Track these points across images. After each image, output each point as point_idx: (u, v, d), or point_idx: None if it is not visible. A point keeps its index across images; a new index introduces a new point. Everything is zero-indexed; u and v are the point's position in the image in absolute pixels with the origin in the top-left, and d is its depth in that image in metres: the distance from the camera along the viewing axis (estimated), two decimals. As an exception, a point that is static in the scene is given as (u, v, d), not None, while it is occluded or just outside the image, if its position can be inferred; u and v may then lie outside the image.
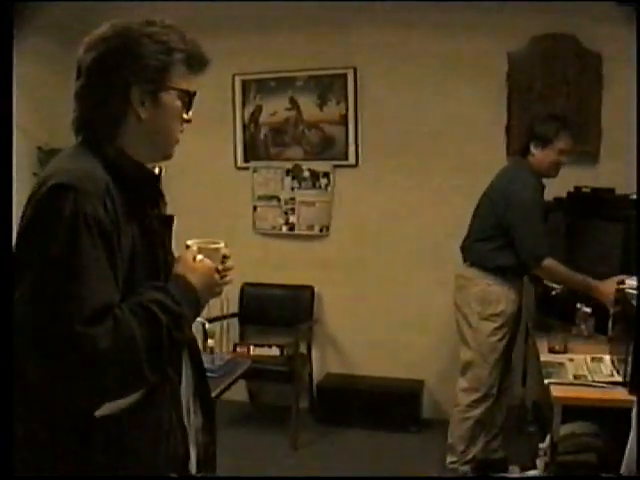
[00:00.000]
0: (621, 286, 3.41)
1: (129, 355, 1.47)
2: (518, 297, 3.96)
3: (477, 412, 3.92)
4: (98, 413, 1.52)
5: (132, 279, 1.56)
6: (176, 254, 1.77)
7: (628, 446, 1.58)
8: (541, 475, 3.43)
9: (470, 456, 3.96)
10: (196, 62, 1.77)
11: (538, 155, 3.85)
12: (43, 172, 1.61)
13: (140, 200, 1.64)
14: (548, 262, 3.77)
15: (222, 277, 1.75)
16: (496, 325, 3.92)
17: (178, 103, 1.71)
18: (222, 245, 1.78)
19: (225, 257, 1.77)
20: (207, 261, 1.71)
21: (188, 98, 1.74)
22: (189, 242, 1.76)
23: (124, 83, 1.62)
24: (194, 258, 1.70)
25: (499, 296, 3.92)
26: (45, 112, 5.31)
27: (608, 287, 3.63)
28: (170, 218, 1.75)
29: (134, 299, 1.53)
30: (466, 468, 4.02)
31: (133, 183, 1.62)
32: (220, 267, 1.74)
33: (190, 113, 1.76)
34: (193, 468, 1.80)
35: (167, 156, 1.78)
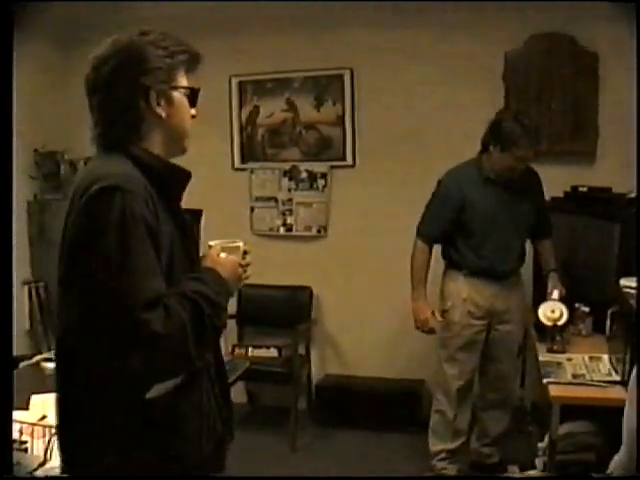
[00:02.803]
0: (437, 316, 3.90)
1: (180, 340, 1.62)
2: (479, 295, 3.92)
3: (451, 384, 4.00)
4: (149, 395, 1.68)
5: (172, 271, 1.71)
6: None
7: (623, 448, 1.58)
8: (540, 475, 3.43)
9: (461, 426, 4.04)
10: (193, 61, 1.89)
11: (495, 155, 3.76)
12: (79, 178, 1.81)
13: (173, 197, 1.82)
14: (417, 241, 3.95)
15: (244, 271, 1.94)
16: (445, 322, 3.96)
17: (185, 100, 1.86)
18: (241, 244, 1.96)
19: (245, 253, 1.96)
20: (231, 257, 1.89)
21: (192, 95, 1.89)
22: (211, 242, 1.93)
23: (143, 88, 1.77)
24: (218, 255, 1.87)
25: (450, 292, 3.96)
26: (41, 115, 5.31)
27: (421, 308, 3.93)
28: (199, 212, 1.84)
29: (178, 290, 1.68)
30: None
31: (166, 181, 1.80)
32: (242, 262, 1.93)
33: (194, 109, 1.91)
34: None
35: (183, 150, 1.96)
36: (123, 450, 1.71)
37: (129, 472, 1.71)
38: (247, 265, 1.95)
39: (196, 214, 1.77)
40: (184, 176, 1.89)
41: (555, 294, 3.71)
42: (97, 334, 1.62)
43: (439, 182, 3.94)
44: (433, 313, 3.96)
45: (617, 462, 1.52)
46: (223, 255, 1.89)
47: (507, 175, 3.78)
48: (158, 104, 1.80)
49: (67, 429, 1.81)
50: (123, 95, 1.78)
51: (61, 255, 1.76)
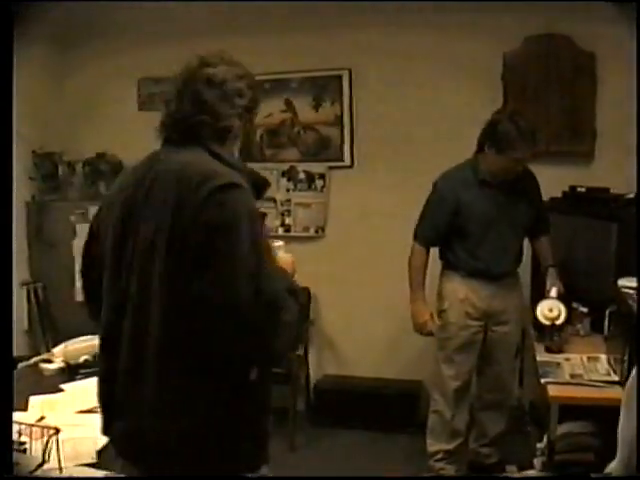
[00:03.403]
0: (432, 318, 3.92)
1: (297, 326, 1.88)
2: (476, 296, 3.92)
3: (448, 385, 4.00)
4: (251, 377, 1.87)
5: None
6: None
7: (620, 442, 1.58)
8: (539, 475, 3.43)
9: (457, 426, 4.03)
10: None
11: (490, 157, 3.74)
12: (163, 169, 1.94)
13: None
14: (415, 245, 3.96)
15: None
16: (442, 322, 3.97)
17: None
18: (282, 244, 2.14)
19: None
20: (288, 256, 2.10)
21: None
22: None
23: (246, 108, 2.05)
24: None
25: (447, 292, 3.97)
26: (39, 116, 5.30)
27: (419, 311, 3.93)
28: (264, 215, 2.04)
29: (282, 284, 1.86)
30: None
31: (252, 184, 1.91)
32: None
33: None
34: None
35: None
36: (224, 421, 1.85)
37: (218, 441, 1.85)
38: None
39: (263, 216, 1.99)
40: (264, 182, 2.03)
41: (553, 292, 3.71)
42: (225, 315, 1.74)
43: (434, 185, 3.93)
44: (431, 316, 3.96)
45: (612, 469, 1.52)
46: (281, 255, 2.06)
47: (503, 176, 3.77)
48: (247, 122, 2.05)
49: (167, 408, 1.84)
50: (226, 111, 1.99)
51: (171, 243, 1.80)
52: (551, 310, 3.59)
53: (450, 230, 3.89)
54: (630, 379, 1.52)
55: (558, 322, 3.56)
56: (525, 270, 4.24)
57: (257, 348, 1.81)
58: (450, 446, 4.04)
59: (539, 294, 3.82)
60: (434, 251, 4.03)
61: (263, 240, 1.83)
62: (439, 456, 4.06)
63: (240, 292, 1.72)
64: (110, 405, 1.98)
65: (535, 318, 3.63)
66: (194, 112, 1.98)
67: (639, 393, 1.38)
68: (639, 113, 4.04)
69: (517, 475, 3.80)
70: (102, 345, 2.02)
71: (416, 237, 3.97)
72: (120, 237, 1.93)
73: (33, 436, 2.29)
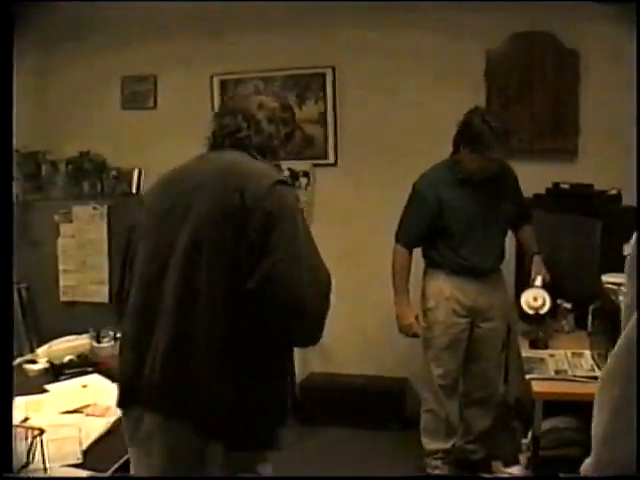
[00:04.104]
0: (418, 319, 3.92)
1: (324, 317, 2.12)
2: (461, 294, 3.92)
3: (436, 383, 4.00)
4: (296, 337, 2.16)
5: None
6: None
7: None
8: (525, 474, 3.44)
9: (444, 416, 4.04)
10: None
11: (466, 157, 3.74)
12: (240, 171, 2.17)
13: None
14: (397, 247, 3.95)
15: None
16: (428, 321, 3.97)
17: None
18: None
19: None
20: None
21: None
22: None
23: (286, 136, 2.41)
24: None
25: (433, 291, 3.96)
26: (22, 115, 5.26)
27: (404, 313, 3.93)
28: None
29: None
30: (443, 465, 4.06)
31: None
32: None
33: None
34: None
35: None
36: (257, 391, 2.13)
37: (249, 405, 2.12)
38: None
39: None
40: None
41: (538, 280, 3.72)
42: (275, 297, 2.01)
43: (413, 187, 3.92)
44: (417, 318, 3.96)
45: (584, 466, 1.53)
46: None
47: (480, 175, 3.77)
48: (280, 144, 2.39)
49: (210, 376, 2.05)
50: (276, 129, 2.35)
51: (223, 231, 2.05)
52: (535, 299, 3.60)
53: (433, 230, 3.88)
54: (600, 377, 1.53)
55: (542, 311, 3.58)
56: (510, 259, 4.26)
57: (305, 331, 2.12)
58: (448, 445, 4.05)
59: (524, 285, 3.83)
60: (416, 250, 4.03)
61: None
62: (437, 455, 4.06)
63: (302, 275, 2.01)
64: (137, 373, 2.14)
65: (520, 307, 3.64)
66: (244, 127, 2.30)
67: (638, 391, 1.38)
68: (639, 113, 4.04)
69: (509, 476, 3.80)
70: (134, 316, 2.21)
71: (398, 240, 3.96)
72: (165, 220, 2.18)
73: (17, 437, 2.28)
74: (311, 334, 2.12)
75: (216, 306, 2.04)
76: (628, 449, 1.36)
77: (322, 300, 2.09)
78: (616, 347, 1.45)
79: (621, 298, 2.89)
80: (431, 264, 4.00)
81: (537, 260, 3.94)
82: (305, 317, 2.05)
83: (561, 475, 2.66)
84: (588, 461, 1.52)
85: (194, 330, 2.05)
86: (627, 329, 1.40)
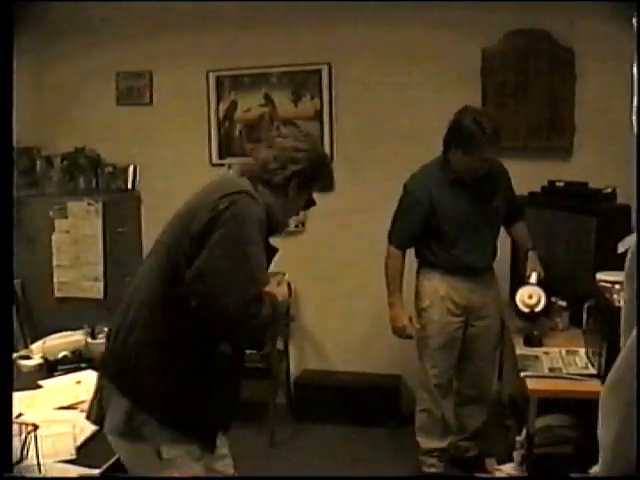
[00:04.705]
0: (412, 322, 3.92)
1: (266, 323, 2.19)
2: (455, 292, 3.92)
3: (432, 382, 3.99)
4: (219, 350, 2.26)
5: None
6: None
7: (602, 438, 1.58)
8: (519, 472, 3.44)
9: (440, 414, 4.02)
10: (328, 183, 2.62)
11: (457, 157, 3.72)
12: (216, 186, 2.36)
13: (267, 232, 2.30)
14: (390, 248, 3.94)
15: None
16: (423, 321, 3.96)
17: (305, 201, 2.53)
18: (286, 277, 2.62)
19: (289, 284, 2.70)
20: (285, 289, 2.47)
21: (310, 201, 2.57)
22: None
23: (295, 173, 2.39)
24: (277, 284, 2.44)
25: (427, 290, 3.95)
26: (17, 111, 5.23)
27: (398, 315, 3.92)
28: (275, 249, 2.46)
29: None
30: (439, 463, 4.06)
31: (270, 222, 2.32)
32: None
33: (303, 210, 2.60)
34: None
35: (282, 227, 2.52)
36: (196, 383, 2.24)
37: (187, 397, 2.23)
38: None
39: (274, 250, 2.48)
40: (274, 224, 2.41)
41: (533, 277, 3.71)
42: (230, 296, 2.10)
43: (405, 187, 3.91)
44: (410, 319, 3.96)
45: (595, 472, 1.52)
46: (276, 285, 2.41)
47: (472, 175, 3.75)
48: (293, 192, 2.41)
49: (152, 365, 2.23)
50: (292, 171, 2.40)
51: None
52: (530, 297, 3.60)
53: (426, 230, 3.86)
54: (606, 384, 1.51)
55: (537, 309, 3.58)
56: (505, 256, 4.28)
57: (235, 336, 2.23)
58: (444, 444, 4.04)
59: (519, 282, 3.83)
60: (409, 250, 4.02)
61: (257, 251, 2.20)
62: (434, 453, 4.06)
63: (228, 281, 2.11)
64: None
65: (514, 305, 3.64)
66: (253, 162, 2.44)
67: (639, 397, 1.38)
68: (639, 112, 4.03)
69: (506, 476, 3.80)
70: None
71: (391, 241, 3.94)
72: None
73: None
74: (245, 341, 2.28)
75: (156, 303, 2.23)
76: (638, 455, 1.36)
77: (244, 310, 2.11)
78: (621, 353, 1.44)
79: (615, 297, 2.90)
80: (424, 264, 3.99)
81: (532, 256, 3.94)
82: (226, 322, 2.14)
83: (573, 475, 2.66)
84: (596, 469, 1.52)
85: (139, 322, 2.25)
86: (632, 335, 1.39)
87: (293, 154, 2.39)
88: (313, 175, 2.44)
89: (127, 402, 2.23)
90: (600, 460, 1.49)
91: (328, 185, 2.57)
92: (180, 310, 2.16)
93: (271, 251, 2.43)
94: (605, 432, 1.48)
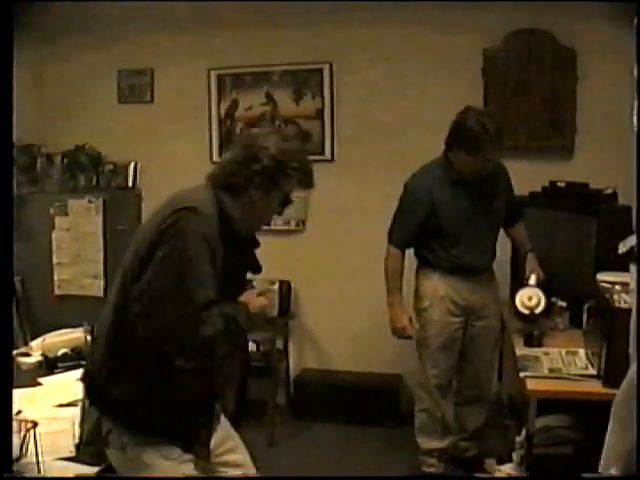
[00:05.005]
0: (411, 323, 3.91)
1: (213, 339, 2.14)
2: (456, 293, 3.91)
3: (432, 383, 3.98)
4: (177, 364, 2.17)
5: (218, 293, 2.19)
6: None
7: (606, 442, 1.58)
8: (518, 472, 3.44)
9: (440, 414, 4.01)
10: (304, 183, 2.48)
11: (460, 157, 3.70)
12: (173, 199, 2.31)
13: (229, 240, 2.27)
14: (390, 248, 3.92)
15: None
16: (423, 321, 3.95)
17: (278, 202, 2.43)
18: (277, 286, 2.51)
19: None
20: (262, 298, 2.39)
21: (286, 201, 2.46)
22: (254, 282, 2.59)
23: (256, 172, 2.31)
24: (259, 294, 2.40)
25: (427, 291, 3.94)
26: (18, 108, 5.18)
27: (398, 315, 3.90)
28: (257, 266, 2.55)
29: (223, 307, 2.18)
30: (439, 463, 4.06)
31: (232, 230, 2.31)
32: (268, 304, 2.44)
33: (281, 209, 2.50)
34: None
35: (253, 230, 2.55)
36: (144, 391, 2.21)
37: (140, 412, 2.22)
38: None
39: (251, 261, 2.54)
40: (248, 241, 2.49)
41: (532, 279, 3.71)
42: (163, 321, 2.09)
43: (405, 186, 3.89)
44: (410, 320, 3.95)
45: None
46: (257, 296, 2.38)
47: (475, 175, 3.74)
48: (256, 193, 2.33)
49: (116, 378, 2.25)
50: (239, 173, 2.32)
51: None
52: (530, 299, 3.59)
53: (426, 230, 3.85)
54: (620, 392, 1.51)
55: (537, 311, 3.58)
56: (505, 258, 4.28)
57: (177, 355, 2.16)
58: (444, 444, 4.03)
59: (519, 284, 3.82)
60: (408, 250, 4.02)
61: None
62: (433, 453, 4.05)
63: (167, 300, 2.11)
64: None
65: (515, 307, 3.63)
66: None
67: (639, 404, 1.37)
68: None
69: (506, 476, 3.80)
70: None
71: (391, 240, 3.93)
72: None
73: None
74: (186, 357, 2.17)
75: (112, 321, 2.26)
76: None
77: (179, 330, 2.10)
78: (636, 360, 1.43)
79: (616, 297, 2.90)
80: (424, 264, 3.98)
81: (531, 258, 3.94)
82: (160, 343, 2.13)
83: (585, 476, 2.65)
84: (613, 472, 1.51)
85: (101, 339, 2.31)
86: None
87: (256, 153, 2.32)
88: (279, 173, 2.35)
89: (95, 412, 2.33)
90: (617, 464, 1.49)
91: (304, 182, 2.47)
92: (131, 329, 2.15)
93: (245, 255, 2.47)
94: (618, 440, 1.48)
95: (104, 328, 2.28)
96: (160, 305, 2.09)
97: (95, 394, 2.34)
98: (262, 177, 2.32)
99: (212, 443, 2.47)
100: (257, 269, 2.57)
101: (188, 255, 2.12)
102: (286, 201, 2.46)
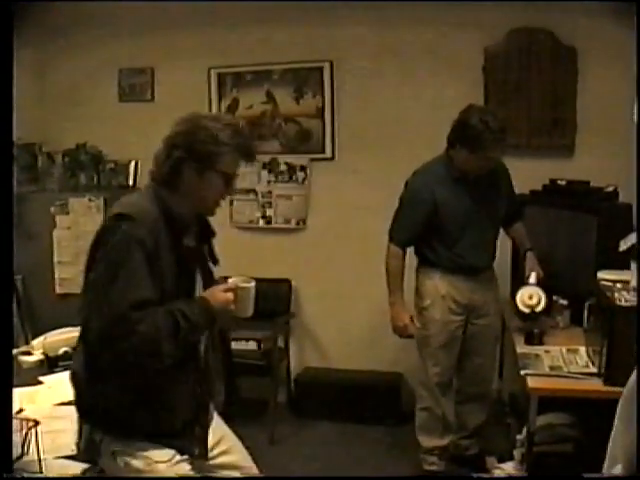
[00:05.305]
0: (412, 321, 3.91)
1: (153, 338, 2.12)
2: (457, 291, 3.90)
3: (433, 381, 3.98)
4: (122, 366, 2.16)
5: (167, 291, 2.21)
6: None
7: (611, 439, 1.58)
8: (519, 470, 3.44)
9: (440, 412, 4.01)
10: (244, 154, 2.35)
11: (462, 156, 3.69)
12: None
13: (178, 235, 2.28)
14: (391, 246, 3.91)
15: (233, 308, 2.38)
16: (424, 320, 3.95)
17: (220, 181, 2.33)
18: (252, 285, 2.44)
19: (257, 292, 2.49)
20: (227, 295, 2.33)
21: (231, 179, 2.35)
22: (232, 280, 2.42)
23: (180, 158, 2.27)
24: (226, 290, 2.34)
25: (428, 289, 3.93)
26: (18, 107, 5.20)
27: (399, 314, 3.90)
28: (198, 250, 2.43)
29: (169, 305, 2.18)
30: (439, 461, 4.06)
31: (178, 224, 2.28)
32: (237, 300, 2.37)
33: (233, 188, 2.41)
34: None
35: (207, 214, 2.46)
36: (121, 397, 2.23)
37: (123, 414, 2.24)
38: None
39: (197, 250, 2.44)
40: (185, 223, 2.34)
41: (532, 278, 3.71)
42: (99, 325, 2.11)
43: (407, 184, 3.89)
44: (411, 319, 3.95)
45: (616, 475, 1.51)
46: (226, 292, 2.33)
47: (476, 173, 3.74)
48: (190, 176, 2.28)
49: (89, 385, 2.29)
50: (169, 157, 2.29)
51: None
52: (531, 297, 3.60)
53: (427, 228, 3.85)
54: (625, 390, 1.51)
55: (538, 309, 3.58)
56: (505, 257, 4.29)
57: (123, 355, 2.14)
58: (444, 442, 4.03)
59: (520, 283, 3.83)
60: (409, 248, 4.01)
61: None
62: (434, 452, 4.05)
63: (97, 303, 2.15)
64: None
65: (515, 306, 3.64)
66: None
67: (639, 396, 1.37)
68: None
69: (506, 476, 3.80)
70: None
71: (392, 238, 3.92)
72: None
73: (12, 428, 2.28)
74: (132, 358, 2.14)
75: (80, 333, 2.28)
76: None
77: (112, 333, 2.10)
78: None
79: (616, 295, 2.90)
80: (425, 262, 3.98)
81: (530, 257, 3.94)
82: (96, 348, 2.17)
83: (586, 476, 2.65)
84: (617, 472, 1.51)
85: (78, 349, 2.35)
86: None
87: (174, 140, 2.29)
88: (206, 153, 2.27)
89: (81, 422, 2.35)
90: (622, 463, 1.48)
91: (243, 156, 2.35)
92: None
93: (202, 246, 2.47)
94: (625, 438, 1.47)
95: (79, 339, 2.32)
96: (95, 310, 2.13)
97: (78, 399, 2.35)
98: (189, 161, 2.27)
99: (210, 442, 2.47)
100: (215, 261, 2.55)
101: (117, 260, 2.13)
102: (229, 179, 2.35)
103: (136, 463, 2.26)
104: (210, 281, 2.47)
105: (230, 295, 2.33)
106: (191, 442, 2.38)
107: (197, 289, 2.39)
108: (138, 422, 2.26)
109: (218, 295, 2.32)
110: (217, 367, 2.56)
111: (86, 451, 2.35)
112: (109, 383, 2.23)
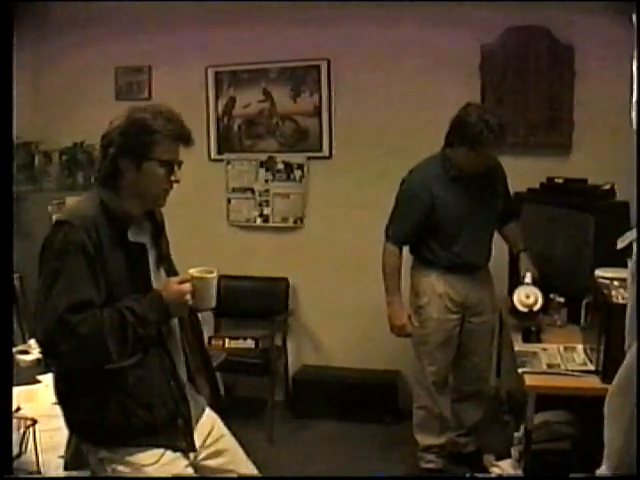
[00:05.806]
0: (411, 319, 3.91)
1: (96, 338, 2.12)
2: (453, 290, 3.90)
3: (429, 380, 3.98)
4: (107, 367, 2.18)
5: (117, 290, 2.22)
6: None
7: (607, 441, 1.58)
8: (517, 468, 3.45)
9: (437, 411, 4.00)
10: (178, 138, 2.38)
11: (460, 153, 3.69)
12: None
13: (122, 233, 2.27)
14: (388, 245, 3.91)
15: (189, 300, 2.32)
16: (421, 318, 3.95)
17: (160, 170, 2.32)
18: (211, 276, 2.38)
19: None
20: (181, 286, 2.29)
21: (171, 166, 2.36)
22: (191, 270, 2.35)
23: (115, 155, 2.28)
24: (182, 281, 2.31)
25: (424, 288, 3.93)
26: (17, 106, 5.21)
27: (397, 313, 3.91)
28: (143, 246, 2.34)
29: (119, 303, 2.19)
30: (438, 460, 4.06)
31: (119, 222, 2.27)
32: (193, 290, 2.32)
33: (177, 175, 2.41)
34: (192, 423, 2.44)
35: (156, 206, 2.46)
36: (95, 403, 2.24)
37: (100, 420, 2.24)
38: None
39: (143, 247, 2.36)
40: (128, 221, 2.32)
41: (528, 277, 3.72)
42: (41, 330, 2.16)
43: (403, 182, 3.89)
44: (409, 318, 3.95)
45: (602, 472, 1.52)
46: (181, 283, 2.30)
47: (473, 171, 3.74)
48: (128, 170, 2.29)
49: (64, 388, 2.33)
50: (104, 155, 2.32)
51: None
52: (528, 297, 3.61)
53: (424, 227, 3.84)
54: (613, 386, 1.51)
55: (535, 308, 3.58)
56: (503, 257, 4.28)
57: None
58: (442, 440, 4.03)
59: (517, 282, 3.83)
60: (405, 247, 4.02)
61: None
62: (432, 450, 4.05)
63: (40, 305, 2.19)
64: None
65: (513, 305, 3.64)
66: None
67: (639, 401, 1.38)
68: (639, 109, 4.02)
69: (507, 475, 3.81)
70: None
71: (388, 237, 3.91)
72: None
73: (10, 427, 2.28)
74: (82, 360, 2.19)
75: None
76: None
77: (54, 334, 2.13)
78: (627, 356, 1.43)
79: (614, 293, 2.90)
80: (421, 261, 3.97)
81: (524, 257, 3.95)
82: (43, 345, 2.21)
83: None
84: (603, 468, 1.51)
85: None
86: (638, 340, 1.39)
87: (108, 139, 2.32)
88: (140, 144, 2.28)
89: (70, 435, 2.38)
90: (607, 460, 1.49)
91: (179, 141, 2.41)
92: None
93: (152, 242, 2.43)
94: (612, 434, 1.48)
95: None
96: (38, 317, 2.18)
97: (62, 411, 2.35)
98: (123, 157, 2.28)
99: (208, 441, 2.48)
100: (161, 257, 2.50)
101: (56, 266, 2.16)
102: (169, 165, 2.36)
103: (123, 469, 2.26)
104: (174, 275, 2.46)
105: (185, 286, 2.30)
106: (176, 436, 2.35)
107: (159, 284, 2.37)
108: (116, 424, 2.24)
109: (171, 287, 2.30)
110: (196, 361, 2.57)
111: (74, 462, 2.36)
112: (77, 390, 2.26)
